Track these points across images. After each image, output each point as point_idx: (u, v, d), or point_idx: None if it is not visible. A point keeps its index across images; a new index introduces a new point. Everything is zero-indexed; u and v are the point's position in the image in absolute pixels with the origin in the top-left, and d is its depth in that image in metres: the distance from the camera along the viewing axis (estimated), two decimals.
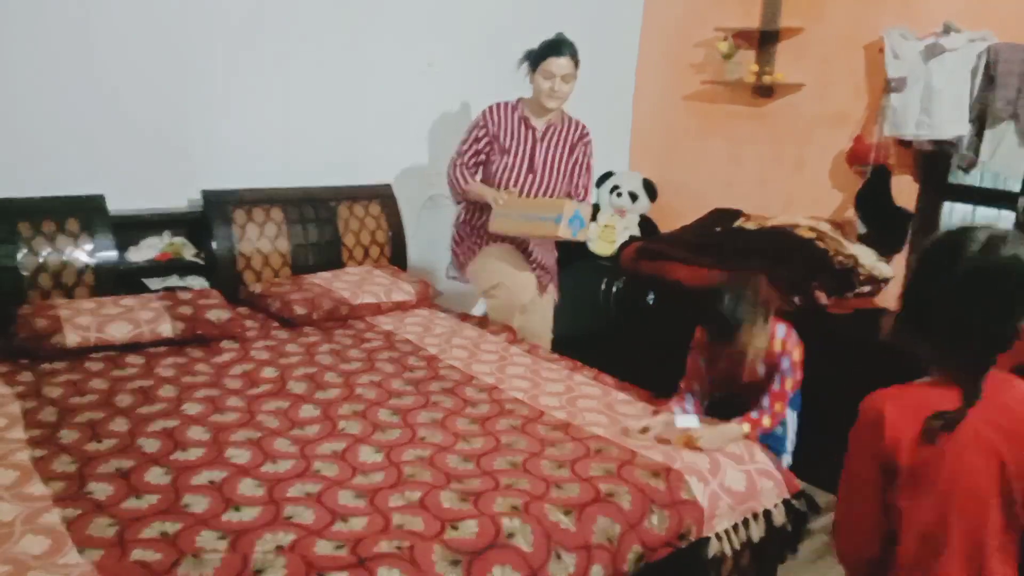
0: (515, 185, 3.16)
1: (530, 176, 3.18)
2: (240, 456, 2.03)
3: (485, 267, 3.28)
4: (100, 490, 1.84)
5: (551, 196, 3.20)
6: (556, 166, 3.22)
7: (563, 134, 3.24)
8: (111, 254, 3.02)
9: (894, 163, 3.51)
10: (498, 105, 3.20)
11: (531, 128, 3.19)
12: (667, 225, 4.43)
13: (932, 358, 1.40)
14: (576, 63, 3.11)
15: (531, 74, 3.13)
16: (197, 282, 3.27)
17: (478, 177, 3.23)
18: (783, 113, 4.03)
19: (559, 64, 3.06)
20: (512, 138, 3.17)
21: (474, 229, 3.30)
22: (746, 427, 2.31)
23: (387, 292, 3.32)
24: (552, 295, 3.45)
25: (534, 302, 3.29)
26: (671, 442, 2.23)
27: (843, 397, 3.18)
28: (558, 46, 3.06)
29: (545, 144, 3.20)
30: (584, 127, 3.30)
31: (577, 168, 3.28)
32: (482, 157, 3.19)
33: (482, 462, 2.06)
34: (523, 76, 3.17)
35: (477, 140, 3.18)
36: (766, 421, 2.34)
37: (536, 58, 3.10)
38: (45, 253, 2.90)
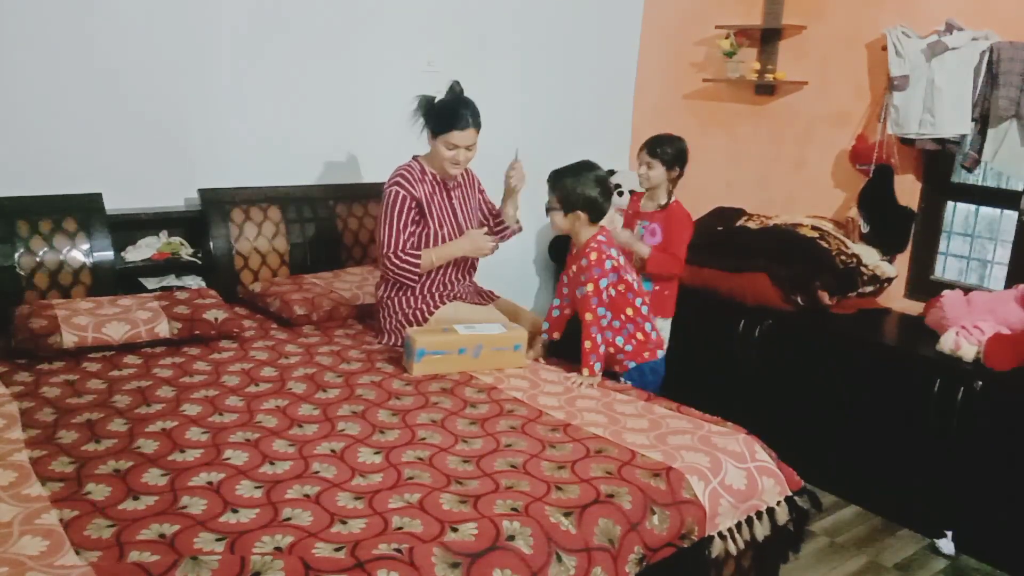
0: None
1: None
2: (238, 457, 2.02)
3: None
4: (98, 491, 1.83)
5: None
6: (472, 217, 3.05)
7: (467, 183, 3.08)
8: (108, 253, 3.01)
9: (896, 162, 3.50)
10: (406, 171, 2.91)
11: (445, 187, 2.98)
12: None
13: None
14: (478, 128, 2.86)
15: (431, 138, 2.88)
16: (194, 281, 3.26)
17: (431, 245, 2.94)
18: (785, 111, 4.01)
19: (463, 137, 2.82)
20: (434, 204, 2.93)
21: (425, 293, 2.98)
22: (585, 372, 2.58)
23: None
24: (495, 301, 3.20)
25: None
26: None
27: (845, 397, 3.20)
28: (463, 118, 2.81)
29: (459, 197, 3.02)
30: (472, 171, 3.12)
31: (483, 205, 3.14)
32: (413, 227, 2.89)
33: (482, 463, 2.05)
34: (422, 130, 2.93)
35: (409, 211, 2.87)
36: (587, 344, 2.57)
37: (438, 128, 2.84)
38: (42, 252, 2.89)
